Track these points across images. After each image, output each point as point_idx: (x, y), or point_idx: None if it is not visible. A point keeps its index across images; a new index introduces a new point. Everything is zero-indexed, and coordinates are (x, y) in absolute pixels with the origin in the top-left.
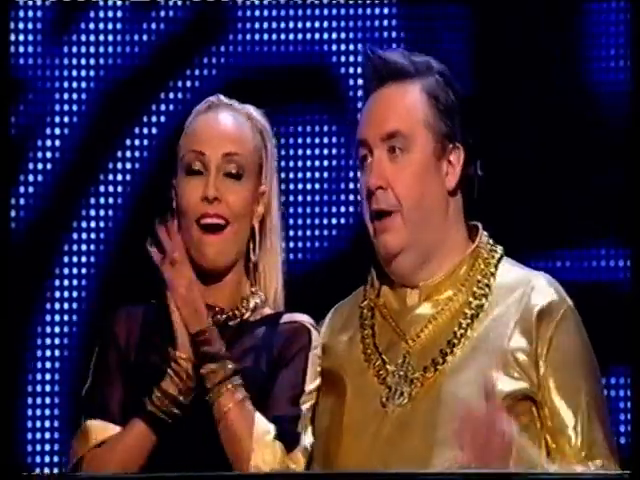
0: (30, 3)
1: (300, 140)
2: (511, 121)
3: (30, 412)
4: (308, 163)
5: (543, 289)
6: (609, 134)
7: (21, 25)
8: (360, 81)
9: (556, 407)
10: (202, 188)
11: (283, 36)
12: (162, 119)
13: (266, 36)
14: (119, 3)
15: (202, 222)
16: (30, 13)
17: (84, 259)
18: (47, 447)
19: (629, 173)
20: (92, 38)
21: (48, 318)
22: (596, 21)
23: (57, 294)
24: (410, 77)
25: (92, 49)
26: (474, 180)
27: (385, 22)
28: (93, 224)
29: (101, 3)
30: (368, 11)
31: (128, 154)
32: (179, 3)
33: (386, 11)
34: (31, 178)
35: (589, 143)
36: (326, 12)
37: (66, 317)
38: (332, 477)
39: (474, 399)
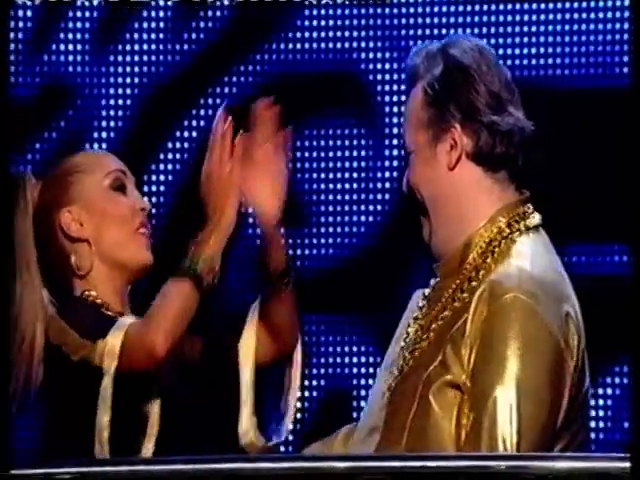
0: (79, 15)
1: (331, 142)
2: None
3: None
4: (339, 164)
5: (520, 271)
6: (612, 131)
7: (70, 35)
8: (388, 87)
9: (477, 393)
10: (134, 200)
11: (315, 45)
12: (202, 123)
13: (299, 45)
14: (161, 14)
15: (141, 231)
16: (79, 24)
17: None
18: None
19: (633, 169)
20: (136, 47)
21: None
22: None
23: None
24: (421, 77)
25: (136, 57)
26: (488, 153)
27: (411, 31)
28: None
29: (144, 14)
30: (395, 21)
31: (170, 156)
32: (218, 14)
33: (412, 21)
34: None
35: (590, 140)
36: (356, 22)
37: None
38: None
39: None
